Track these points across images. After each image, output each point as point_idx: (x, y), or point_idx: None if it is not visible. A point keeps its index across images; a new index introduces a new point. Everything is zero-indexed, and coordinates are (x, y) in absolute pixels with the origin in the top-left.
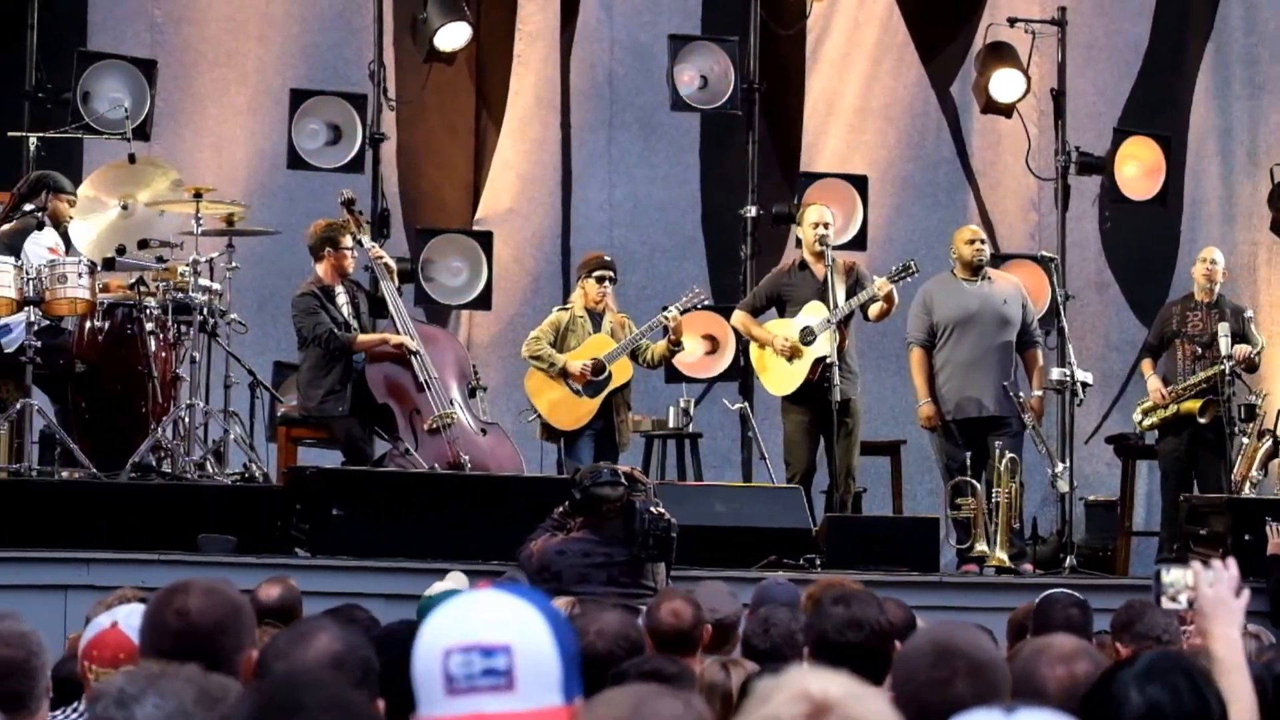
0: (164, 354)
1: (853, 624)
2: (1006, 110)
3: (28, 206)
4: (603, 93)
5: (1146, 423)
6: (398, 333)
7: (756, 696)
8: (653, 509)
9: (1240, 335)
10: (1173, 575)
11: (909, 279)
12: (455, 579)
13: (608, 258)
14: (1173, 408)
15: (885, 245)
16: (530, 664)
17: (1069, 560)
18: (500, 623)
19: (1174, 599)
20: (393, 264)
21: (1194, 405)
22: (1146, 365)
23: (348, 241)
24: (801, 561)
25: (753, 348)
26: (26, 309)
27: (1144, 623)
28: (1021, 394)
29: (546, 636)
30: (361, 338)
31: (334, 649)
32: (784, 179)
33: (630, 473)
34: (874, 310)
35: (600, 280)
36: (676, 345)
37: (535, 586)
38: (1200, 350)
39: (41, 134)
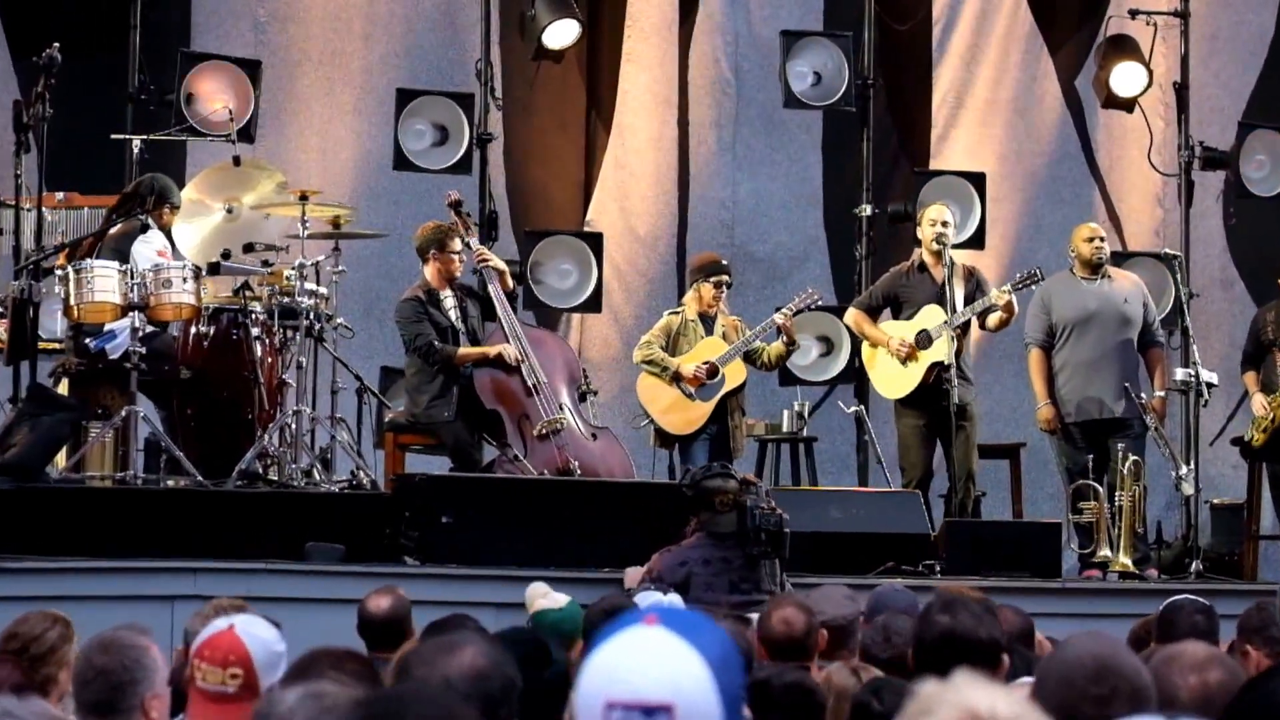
0: (270, 359)
1: (950, 634)
2: (1128, 105)
3: (135, 211)
4: (726, 88)
5: (1259, 439)
6: (504, 338)
7: (919, 703)
8: (764, 505)
9: None
10: None
11: (1032, 287)
12: (542, 590)
13: (724, 260)
14: (1272, 415)
15: (1012, 242)
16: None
17: (1194, 565)
18: (664, 679)
19: None
20: (502, 265)
21: None
22: (1249, 379)
23: (455, 245)
24: (920, 568)
25: (865, 347)
26: (131, 314)
27: (1279, 626)
28: (1144, 395)
29: (709, 690)
30: (462, 352)
31: (478, 664)
32: (913, 176)
33: (743, 476)
34: (992, 320)
35: (718, 285)
36: (792, 345)
37: None
38: None
39: (145, 136)
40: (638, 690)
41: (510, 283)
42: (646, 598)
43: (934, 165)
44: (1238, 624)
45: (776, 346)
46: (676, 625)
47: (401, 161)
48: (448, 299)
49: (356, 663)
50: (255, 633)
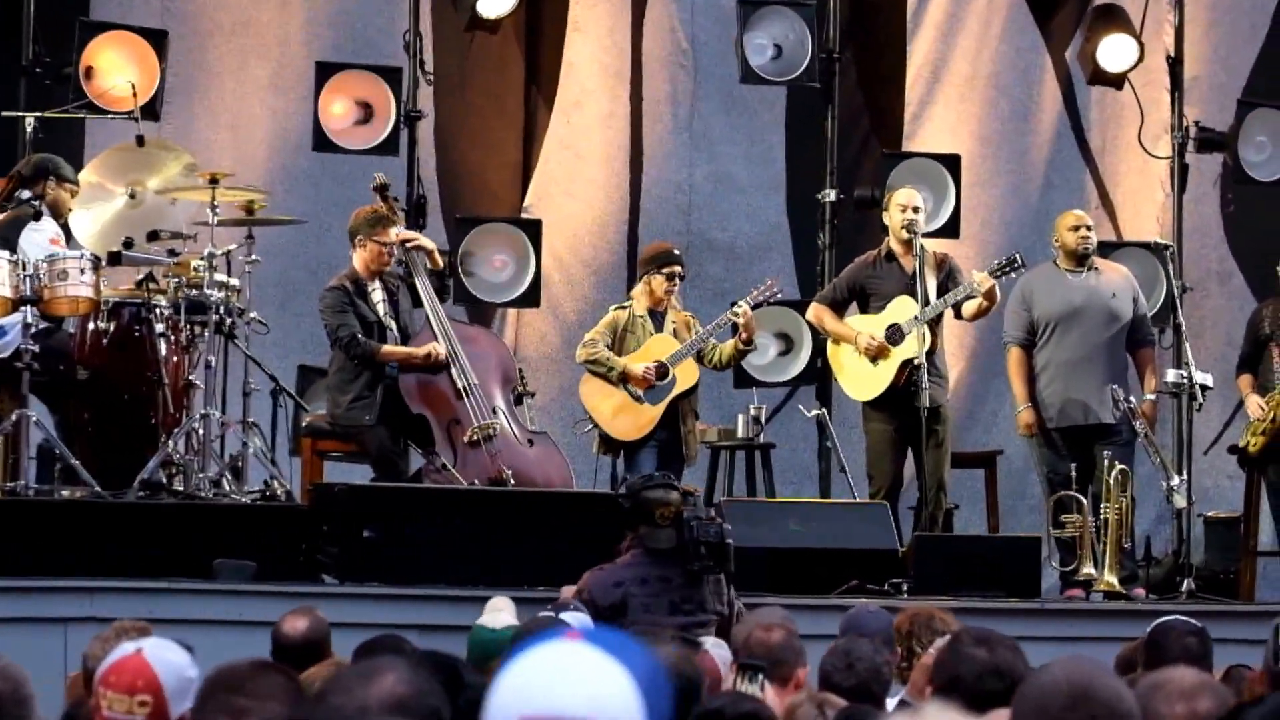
0: (176, 358)
1: (993, 671)
2: (1116, 81)
3: (24, 194)
4: (683, 60)
5: (1255, 444)
6: (432, 334)
7: None
8: (702, 515)
9: None
10: None
11: (1013, 274)
12: (501, 605)
13: (677, 250)
14: (1271, 415)
15: (994, 230)
16: None
17: (1186, 584)
18: (587, 696)
19: None
20: (430, 244)
21: None
22: (1244, 382)
23: (390, 235)
24: (887, 586)
25: (830, 346)
26: (23, 309)
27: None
28: (1133, 398)
29: (635, 709)
30: (386, 348)
31: (398, 691)
32: (882, 158)
33: (682, 486)
34: (970, 308)
35: (670, 277)
36: (747, 345)
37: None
38: None
39: (39, 114)
40: (558, 706)
41: (440, 261)
42: (573, 620)
43: (908, 146)
44: (1267, 652)
45: (730, 345)
46: (600, 641)
47: (321, 142)
48: (376, 291)
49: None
50: (166, 657)
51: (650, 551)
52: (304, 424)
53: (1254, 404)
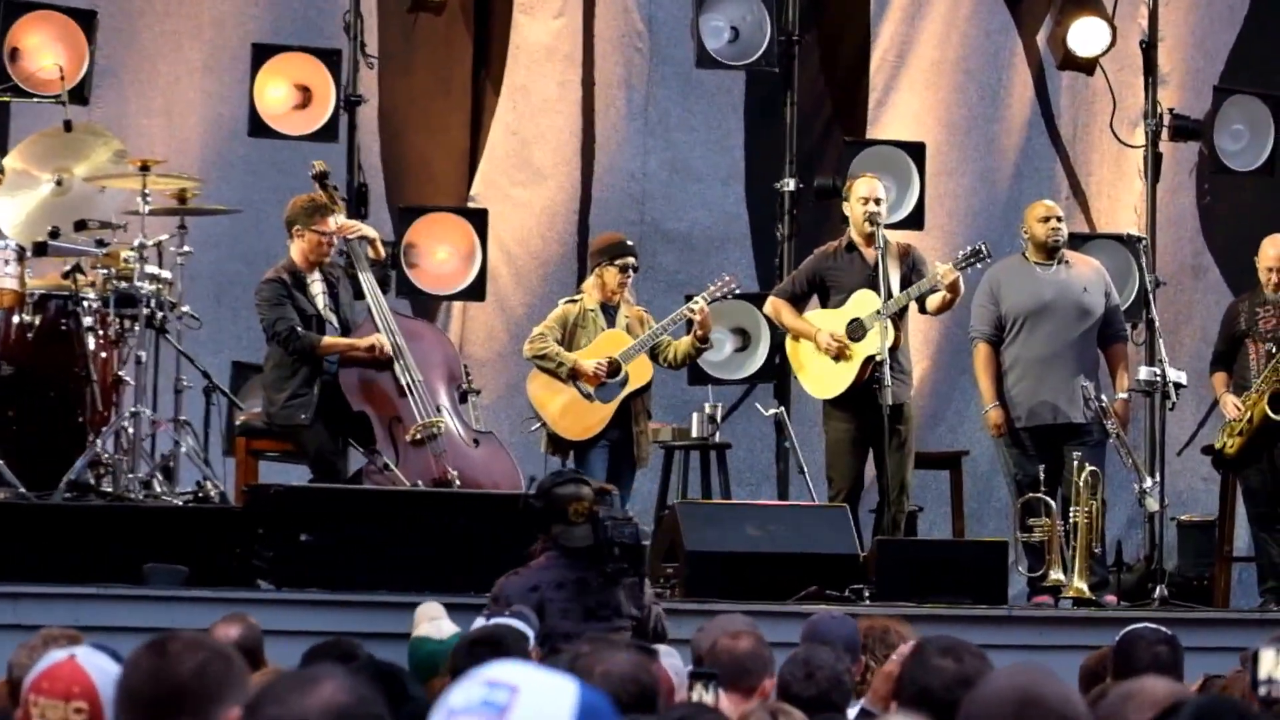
0: (104, 354)
1: (963, 681)
2: (1088, 66)
3: None
4: (637, 42)
5: (1232, 445)
6: (374, 328)
7: None
8: (618, 515)
9: None
10: (1273, 659)
11: (979, 265)
12: (436, 613)
13: (630, 241)
14: (1248, 415)
15: (961, 221)
16: None
17: (1159, 590)
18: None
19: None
20: (372, 233)
21: (1264, 403)
22: (1219, 380)
23: (330, 224)
24: (848, 593)
25: (789, 342)
26: None
27: None
28: (1104, 397)
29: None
30: (326, 340)
31: (338, 700)
32: (845, 146)
33: (598, 484)
34: (934, 302)
35: (624, 269)
36: (703, 343)
37: None
38: (1275, 349)
39: None
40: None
41: (382, 250)
42: (501, 624)
43: (872, 133)
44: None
45: (685, 342)
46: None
47: (257, 127)
48: (315, 283)
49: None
50: (100, 664)
51: (566, 553)
52: (238, 422)
53: (1230, 404)
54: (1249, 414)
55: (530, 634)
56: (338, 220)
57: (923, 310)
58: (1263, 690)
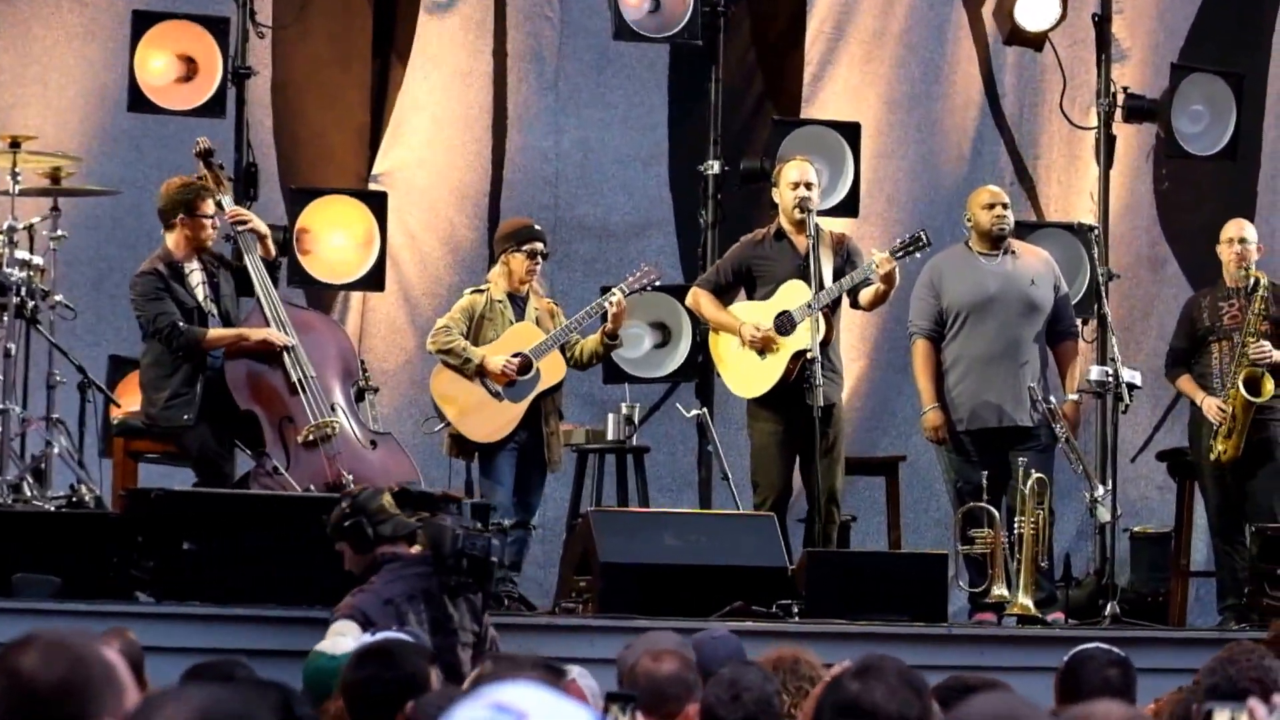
0: None
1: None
2: (1036, 41)
3: None
4: (547, 10)
5: (1226, 449)
6: (264, 320)
7: None
8: (469, 524)
9: None
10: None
11: (918, 254)
12: (339, 628)
13: (538, 226)
14: (1231, 412)
15: (902, 208)
16: None
17: (1110, 608)
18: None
19: None
20: (263, 228)
21: (1240, 396)
22: (1186, 381)
23: (208, 208)
24: (775, 609)
25: (711, 336)
26: None
27: None
28: (1052, 398)
29: None
30: (212, 333)
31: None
32: (774, 125)
33: (442, 491)
34: (866, 295)
35: (532, 255)
36: (613, 339)
37: None
38: (1240, 340)
39: None
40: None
41: (272, 249)
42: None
43: (807, 111)
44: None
45: (593, 339)
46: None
47: (138, 101)
48: (194, 273)
49: None
50: None
51: (407, 564)
52: (116, 422)
53: (1212, 407)
54: (1231, 409)
55: (427, 647)
56: (227, 204)
57: (855, 305)
58: None
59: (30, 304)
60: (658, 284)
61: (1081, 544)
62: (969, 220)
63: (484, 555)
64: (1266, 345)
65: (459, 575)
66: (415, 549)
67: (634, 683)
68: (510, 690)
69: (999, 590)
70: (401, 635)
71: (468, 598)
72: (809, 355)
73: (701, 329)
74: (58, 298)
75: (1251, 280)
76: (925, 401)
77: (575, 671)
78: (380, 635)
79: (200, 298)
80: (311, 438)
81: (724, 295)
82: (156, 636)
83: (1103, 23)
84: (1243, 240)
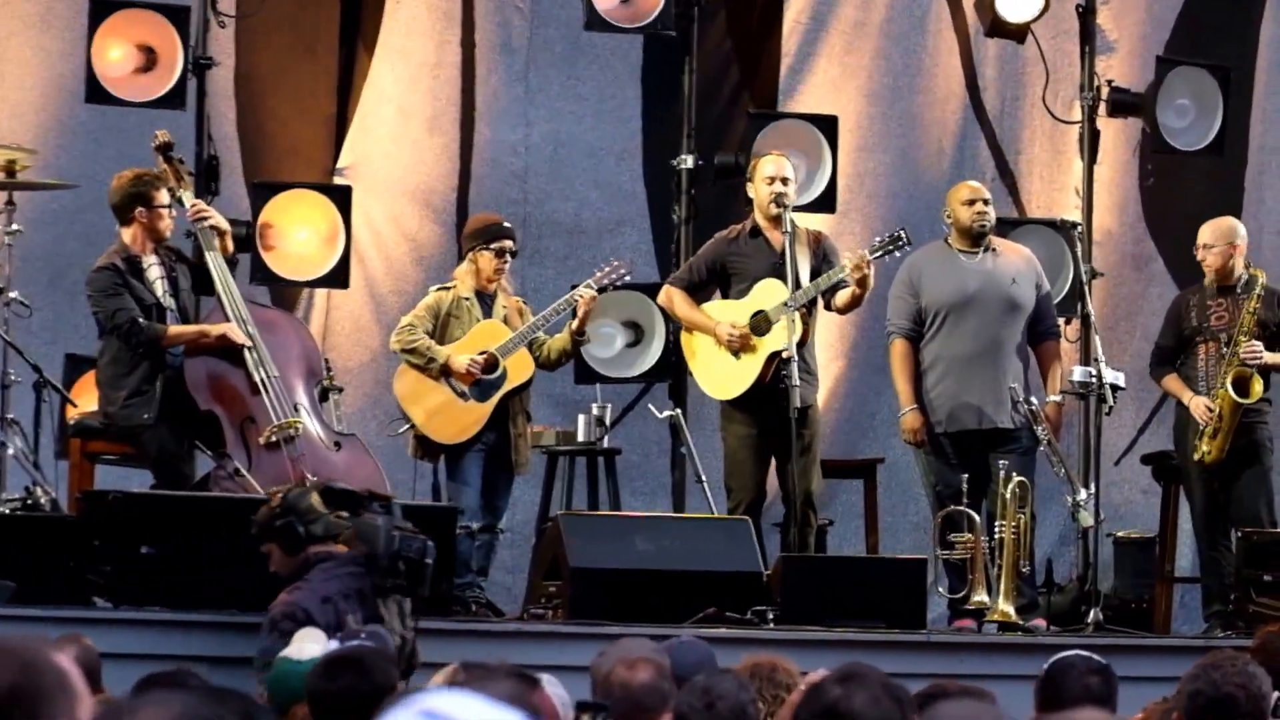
0: None
1: (832, 713)
2: (1018, 33)
3: None
4: (518, 2)
5: (1211, 450)
6: (225, 318)
7: None
8: (405, 526)
9: None
10: None
11: (897, 253)
12: (305, 634)
13: (507, 223)
14: (1218, 411)
15: (882, 203)
16: None
17: (1093, 614)
18: None
19: None
20: (224, 224)
21: (1228, 397)
22: (1173, 381)
23: (163, 198)
24: (750, 615)
25: (684, 335)
26: None
27: None
28: (1034, 400)
29: None
30: (173, 330)
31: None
32: (749, 118)
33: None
34: (841, 298)
35: (500, 254)
36: (580, 336)
37: None
38: (1229, 341)
39: None
40: None
41: (231, 246)
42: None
43: (785, 104)
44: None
45: (561, 337)
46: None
47: (95, 92)
48: (152, 268)
49: None
50: None
51: (341, 563)
52: (72, 422)
53: (1200, 407)
54: (1219, 409)
55: (392, 652)
56: (187, 200)
57: (828, 308)
58: None
59: None
60: (628, 279)
61: (1064, 549)
62: (949, 217)
63: (419, 557)
64: (1258, 345)
65: (394, 577)
66: (341, 548)
67: (609, 692)
68: (439, 698)
69: (979, 596)
70: (368, 643)
71: (398, 600)
72: (785, 355)
73: (675, 328)
74: (13, 295)
75: (1248, 276)
76: (904, 403)
77: (545, 679)
78: (349, 643)
79: (159, 293)
80: (274, 439)
81: (697, 293)
82: (113, 643)
83: (1087, 14)
84: (1230, 243)
